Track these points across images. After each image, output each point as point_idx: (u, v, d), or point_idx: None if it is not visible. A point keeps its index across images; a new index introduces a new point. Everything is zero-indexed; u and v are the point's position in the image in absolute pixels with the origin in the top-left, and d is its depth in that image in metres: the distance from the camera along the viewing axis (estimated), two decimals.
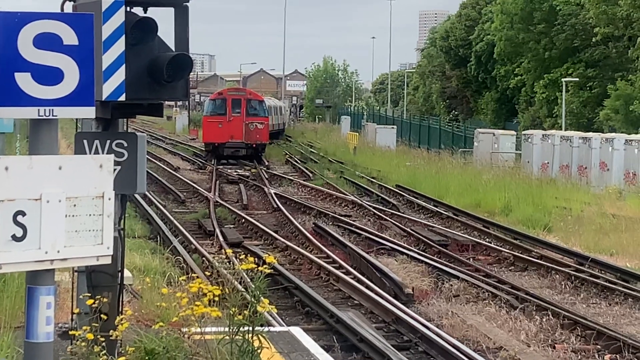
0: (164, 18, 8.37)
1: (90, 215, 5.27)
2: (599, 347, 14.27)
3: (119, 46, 7.72)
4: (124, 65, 7.74)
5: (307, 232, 23.95)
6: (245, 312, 8.58)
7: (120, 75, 7.72)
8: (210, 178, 40.01)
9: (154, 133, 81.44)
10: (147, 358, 8.58)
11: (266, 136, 53.52)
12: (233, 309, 8.68)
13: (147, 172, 9.65)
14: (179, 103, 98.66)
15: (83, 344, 7.99)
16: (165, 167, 44.35)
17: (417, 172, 41.50)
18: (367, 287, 17.23)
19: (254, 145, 51.34)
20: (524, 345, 14.11)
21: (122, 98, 7.80)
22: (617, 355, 13.96)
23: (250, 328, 8.63)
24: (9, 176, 4.97)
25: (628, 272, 19.93)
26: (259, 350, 8.62)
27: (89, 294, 8.58)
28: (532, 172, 39.21)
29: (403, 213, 29.74)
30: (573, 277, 19.33)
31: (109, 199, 5.34)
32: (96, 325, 8.04)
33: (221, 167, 46.44)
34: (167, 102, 9.37)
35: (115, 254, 7.19)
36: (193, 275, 13.56)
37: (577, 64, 59.95)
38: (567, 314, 15.66)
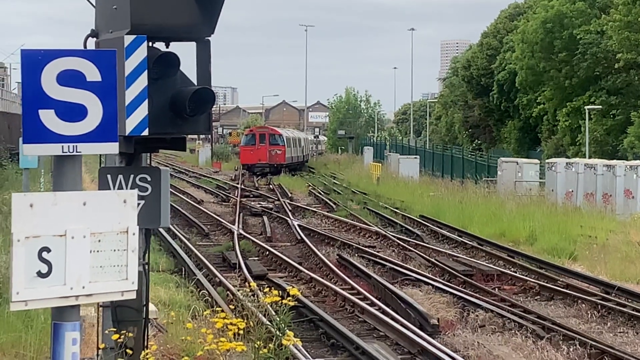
0: (186, 53, 8.42)
1: (114, 250, 5.28)
2: None
3: (142, 81, 7.76)
4: (146, 100, 7.77)
5: (331, 264, 23.90)
6: (270, 345, 8.57)
7: (143, 110, 7.75)
8: (233, 211, 40.04)
9: (177, 166, 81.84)
10: None
11: (283, 158, 77.19)
12: (258, 342, 8.66)
13: (171, 205, 9.66)
14: (202, 136, 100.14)
15: None
16: (189, 200, 44.43)
17: (441, 202, 41.40)
18: (393, 318, 17.15)
19: (275, 165, 75.38)
20: None
21: (145, 133, 7.83)
22: None
23: None
24: (33, 213, 4.99)
25: None
26: None
27: (114, 329, 8.58)
28: (556, 201, 39.04)
29: (427, 243, 29.65)
30: (599, 306, 19.18)
31: (133, 234, 5.34)
32: None
33: (244, 199, 46.52)
34: (190, 135, 9.40)
35: (140, 288, 7.20)
36: (218, 309, 13.54)
37: (599, 92, 59.80)
38: (594, 343, 15.52)
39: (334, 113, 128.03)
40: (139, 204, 7.66)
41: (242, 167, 76.15)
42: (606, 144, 57.50)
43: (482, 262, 25.15)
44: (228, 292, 19.27)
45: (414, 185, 54.22)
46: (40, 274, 5.01)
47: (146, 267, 8.79)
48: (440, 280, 21.89)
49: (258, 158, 75.28)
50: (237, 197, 46.81)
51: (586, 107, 53.83)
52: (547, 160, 48.07)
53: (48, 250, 5.03)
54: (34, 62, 5.15)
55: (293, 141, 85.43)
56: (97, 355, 9.19)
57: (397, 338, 15.99)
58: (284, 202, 44.28)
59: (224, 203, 46.10)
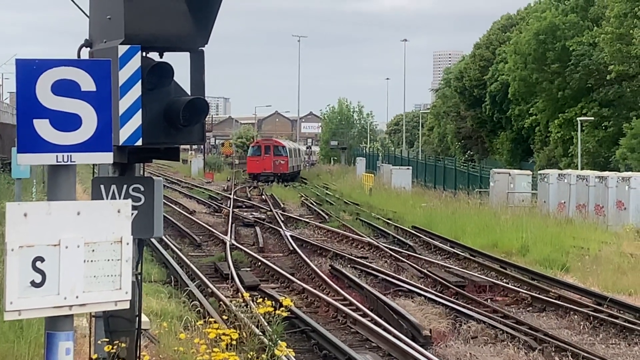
0: (180, 63, 8.41)
1: (108, 260, 5.27)
2: None
3: (136, 91, 7.74)
4: (140, 110, 7.75)
5: (324, 275, 23.89)
6: (263, 355, 8.56)
7: (137, 120, 7.74)
8: (226, 221, 39.99)
9: (170, 177, 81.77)
10: None
11: (286, 168, 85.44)
12: (251, 353, 8.65)
13: (163, 215, 9.64)
14: (194, 146, 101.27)
15: None
16: (181, 211, 44.40)
17: (433, 213, 41.42)
18: (385, 329, 17.14)
19: (279, 174, 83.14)
20: None
21: (139, 143, 7.81)
22: None
23: None
24: (27, 222, 4.98)
25: None
26: None
27: (107, 339, 8.56)
28: (548, 212, 39.08)
29: (419, 254, 29.65)
30: (591, 318, 19.20)
31: (127, 244, 5.34)
32: None
33: (237, 210, 46.51)
34: (182, 146, 9.39)
35: (132, 298, 7.18)
36: (210, 319, 13.53)
37: (591, 103, 59.94)
38: (586, 354, 15.54)
39: (327, 124, 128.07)
40: (132, 214, 7.66)
41: (248, 176, 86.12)
42: (598, 156, 57.61)
43: (474, 273, 25.16)
44: (220, 302, 19.25)
45: (407, 196, 54.24)
46: (34, 284, 5.01)
47: (139, 278, 8.78)
48: (433, 291, 21.89)
49: (263, 167, 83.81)
50: (229, 207, 46.77)
51: (578, 119, 53.93)
52: (539, 172, 48.11)
53: (42, 259, 5.02)
54: (28, 71, 5.16)
55: (294, 152, 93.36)
56: None
57: (389, 349, 15.98)
58: (277, 212, 44.26)
59: (216, 214, 46.06)
